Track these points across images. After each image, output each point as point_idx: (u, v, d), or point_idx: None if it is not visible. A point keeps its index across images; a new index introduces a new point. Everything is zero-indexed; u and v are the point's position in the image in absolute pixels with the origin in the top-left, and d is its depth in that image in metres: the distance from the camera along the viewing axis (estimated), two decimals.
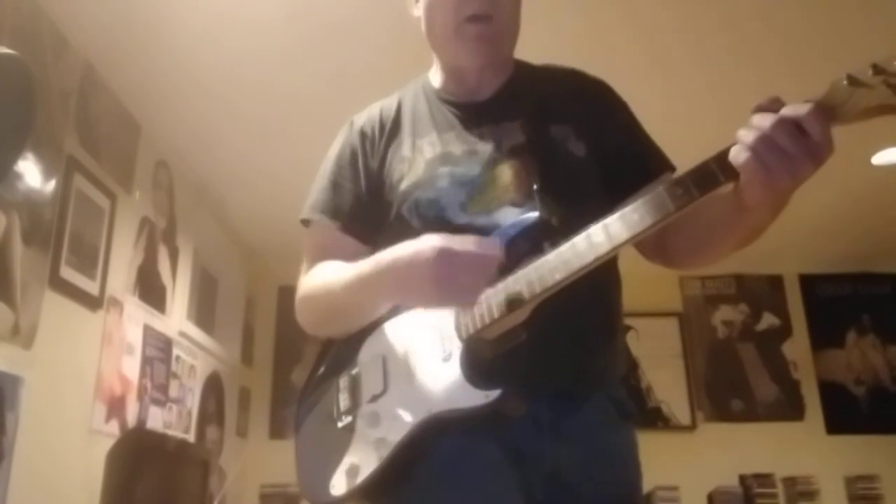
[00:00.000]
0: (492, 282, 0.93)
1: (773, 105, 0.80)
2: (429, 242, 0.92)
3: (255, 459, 4.01)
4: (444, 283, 0.90)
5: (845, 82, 0.76)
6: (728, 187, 0.83)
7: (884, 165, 3.39)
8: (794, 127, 0.77)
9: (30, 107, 1.97)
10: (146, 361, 2.82)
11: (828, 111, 0.77)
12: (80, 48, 2.39)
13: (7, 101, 1.86)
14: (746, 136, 0.79)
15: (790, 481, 4.11)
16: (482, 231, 1.01)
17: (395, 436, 0.96)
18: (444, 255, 0.90)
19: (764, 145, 0.78)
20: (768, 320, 4.65)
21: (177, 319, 3.19)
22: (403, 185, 1.11)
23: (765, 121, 0.78)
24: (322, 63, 2.53)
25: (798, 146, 0.77)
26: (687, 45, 2.50)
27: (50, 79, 2.22)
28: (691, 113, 2.81)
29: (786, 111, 0.78)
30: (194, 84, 2.66)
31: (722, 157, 0.82)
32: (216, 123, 2.93)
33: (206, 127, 2.95)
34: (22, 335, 2.01)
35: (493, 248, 0.92)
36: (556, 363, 1.00)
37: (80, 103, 2.41)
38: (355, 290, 1.03)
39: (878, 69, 0.74)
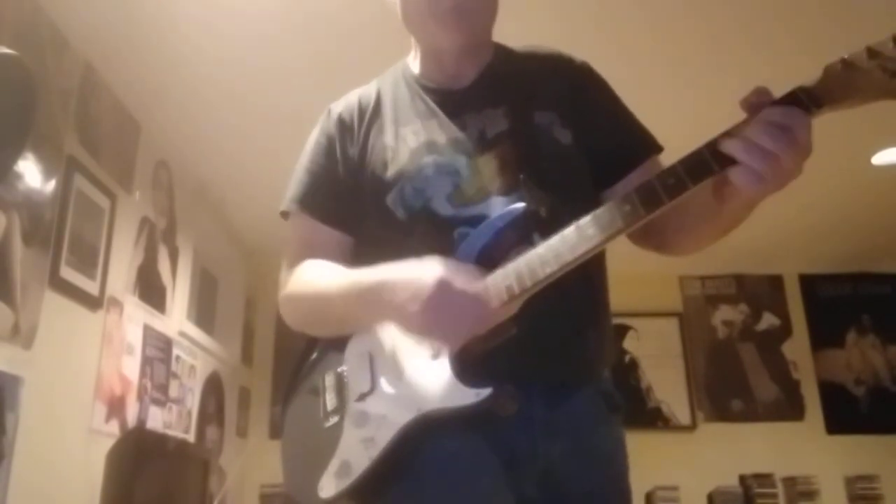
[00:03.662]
0: (479, 333, 0.90)
1: (760, 97, 0.78)
2: (433, 270, 0.89)
3: (255, 459, 4.01)
4: (431, 316, 0.88)
5: (840, 67, 0.74)
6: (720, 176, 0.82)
7: (884, 165, 3.38)
8: (780, 132, 0.75)
9: (30, 107, 1.98)
10: (146, 361, 2.82)
11: (806, 108, 0.75)
12: (80, 48, 2.39)
13: (7, 101, 1.86)
14: (736, 147, 0.78)
15: (790, 481, 4.12)
16: (469, 222, 0.99)
17: (385, 436, 0.93)
18: (443, 287, 0.87)
19: (766, 164, 0.76)
20: (768, 320, 4.65)
21: (177, 319, 3.19)
22: (387, 175, 1.07)
23: (752, 132, 0.77)
24: (324, 64, 2.53)
25: (791, 155, 0.76)
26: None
27: (50, 79, 2.22)
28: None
29: (772, 117, 0.76)
30: (194, 84, 2.66)
31: (715, 146, 0.80)
32: (216, 123, 2.93)
33: (206, 127, 2.95)
34: (22, 335, 2.01)
35: (494, 293, 0.88)
36: (548, 356, 0.99)
37: (80, 103, 2.41)
38: (352, 301, 1.00)
39: (873, 53, 0.73)
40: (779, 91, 0.79)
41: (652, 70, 2.63)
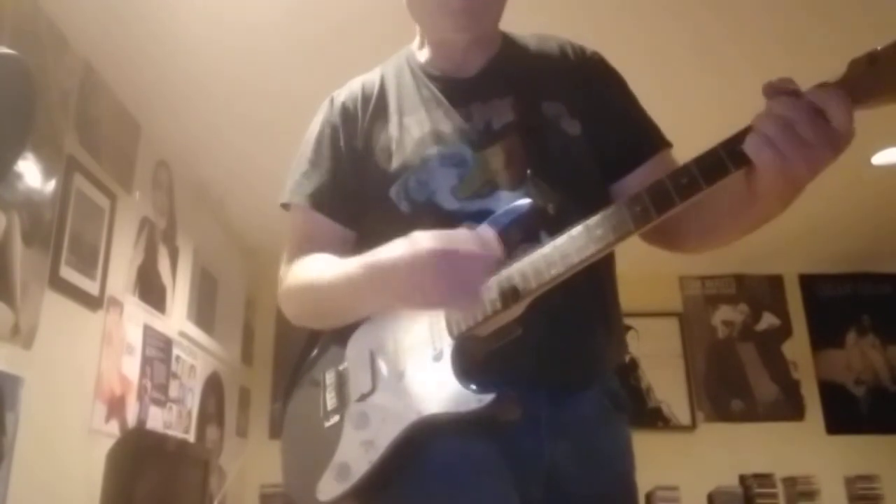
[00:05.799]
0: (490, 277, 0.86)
1: (785, 86, 0.74)
2: (424, 244, 0.85)
3: (255, 459, 4.01)
4: (447, 286, 0.83)
5: (865, 62, 0.71)
6: (737, 175, 0.78)
7: (884, 165, 3.39)
8: (817, 115, 0.71)
9: (30, 107, 1.97)
10: (146, 361, 2.82)
11: (850, 94, 0.71)
12: (80, 48, 2.39)
13: (7, 101, 1.86)
14: (765, 125, 0.73)
15: (790, 481, 4.12)
16: (474, 217, 0.96)
17: (385, 438, 0.91)
18: (444, 256, 0.83)
19: (784, 135, 0.72)
20: (768, 320, 4.65)
21: (177, 319, 3.19)
22: (391, 167, 1.04)
23: (785, 108, 0.72)
24: (323, 62, 2.53)
25: (820, 135, 0.71)
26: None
27: (50, 79, 2.22)
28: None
29: (810, 97, 0.72)
30: (194, 84, 2.66)
31: (731, 145, 0.76)
32: (216, 123, 2.93)
33: (206, 127, 2.95)
34: (22, 335, 2.01)
35: (491, 242, 0.86)
36: (554, 358, 0.97)
37: (80, 103, 2.41)
38: (345, 294, 0.96)
39: None
40: (803, 85, 0.76)
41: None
